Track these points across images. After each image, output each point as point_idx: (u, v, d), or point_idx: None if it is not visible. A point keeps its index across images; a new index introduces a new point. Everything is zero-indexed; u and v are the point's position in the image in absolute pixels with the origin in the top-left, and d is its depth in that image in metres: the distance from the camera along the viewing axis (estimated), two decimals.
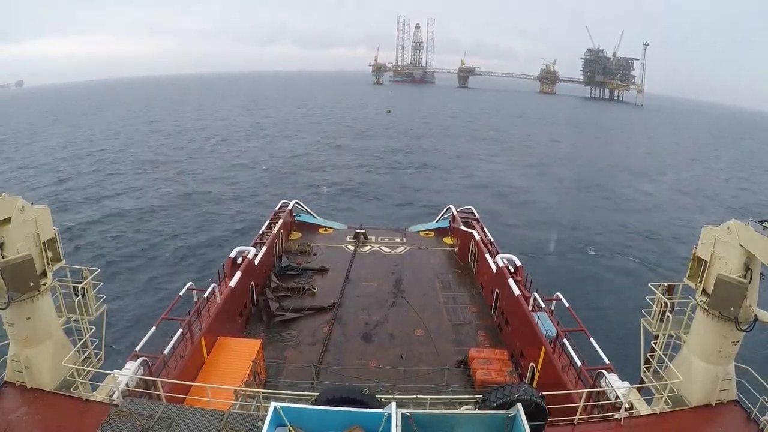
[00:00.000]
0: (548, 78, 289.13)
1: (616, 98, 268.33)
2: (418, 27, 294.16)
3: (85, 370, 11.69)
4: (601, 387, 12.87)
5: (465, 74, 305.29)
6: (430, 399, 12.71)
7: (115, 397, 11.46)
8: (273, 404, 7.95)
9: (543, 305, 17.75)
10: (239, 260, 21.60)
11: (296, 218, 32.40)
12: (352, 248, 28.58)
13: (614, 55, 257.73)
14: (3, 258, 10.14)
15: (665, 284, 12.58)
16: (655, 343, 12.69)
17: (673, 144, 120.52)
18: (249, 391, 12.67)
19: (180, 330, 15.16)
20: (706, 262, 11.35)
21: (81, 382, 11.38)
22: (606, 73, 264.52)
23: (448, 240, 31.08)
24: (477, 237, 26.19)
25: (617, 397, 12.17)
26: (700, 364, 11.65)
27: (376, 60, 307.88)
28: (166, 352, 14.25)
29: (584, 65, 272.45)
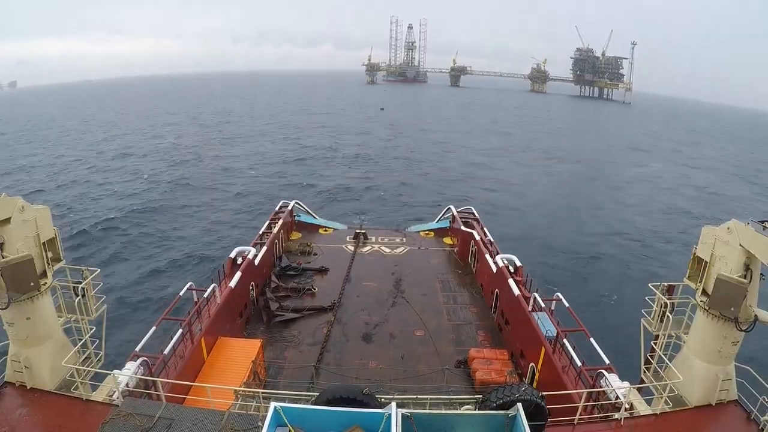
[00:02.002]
0: (539, 77, 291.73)
1: (605, 97, 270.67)
2: (410, 27, 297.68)
3: (85, 370, 11.68)
4: (601, 387, 12.88)
5: (457, 73, 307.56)
6: (430, 399, 12.71)
7: (115, 397, 11.46)
8: (273, 404, 7.95)
9: (543, 305, 17.76)
10: (239, 260, 21.61)
11: (296, 218, 32.42)
12: (352, 248, 28.59)
13: (603, 54, 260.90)
14: (3, 258, 10.13)
15: (665, 284, 12.57)
16: (655, 343, 12.69)
17: (656, 140, 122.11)
18: (249, 391, 12.66)
19: (180, 330, 15.16)
20: (706, 262, 11.34)
21: (81, 382, 11.38)
22: (595, 72, 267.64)
23: (448, 240, 31.08)
24: (477, 237, 26.20)
25: (617, 397, 12.18)
26: (700, 364, 11.64)
27: (369, 59, 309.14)
28: (166, 352, 14.24)
29: (574, 64, 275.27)
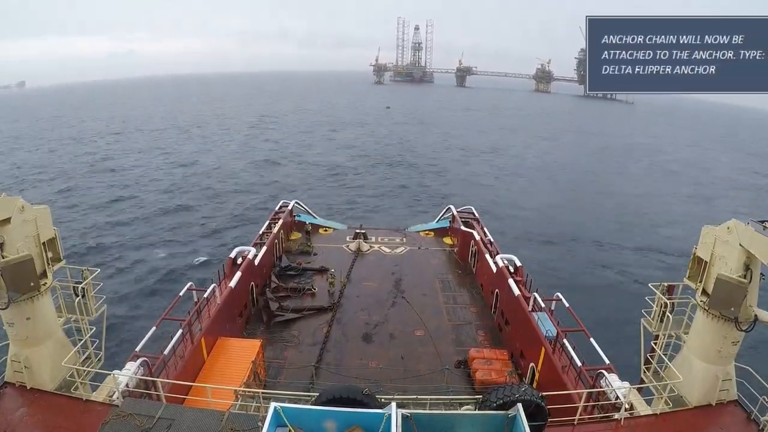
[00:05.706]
0: (543, 77, 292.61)
1: (609, 96, 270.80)
2: (417, 28, 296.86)
3: (85, 370, 11.69)
4: (601, 387, 12.88)
5: (463, 74, 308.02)
6: (430, 399, 12.70)
7: (115, 397, 11.46)
8: (273, 404, 7.94)
9: (543, 305, 17.75)
10: (239, 260, 21.62)
11: (296, 218, 32.42)
12: (352, 248, 28.59)
13: None
14: (3, 258, 10.14)
15: (665, 284, 12.56)
16: (655, 343, 12.69)
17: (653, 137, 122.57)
18: (249, 391, 12.67)
19: (180, 330, 15.16)
20: (706, 262, 11.34)
21: (81, 383, 11.38)
22: None
23: (448, 240, 31.08)
24: (477, 237, 26.20)
25: (617, 398, 12.17)
26: (700, 364, 11.64)
27: (376, 60, 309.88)
28: (166, 352, 14.24)
29: (578, 64, 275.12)
